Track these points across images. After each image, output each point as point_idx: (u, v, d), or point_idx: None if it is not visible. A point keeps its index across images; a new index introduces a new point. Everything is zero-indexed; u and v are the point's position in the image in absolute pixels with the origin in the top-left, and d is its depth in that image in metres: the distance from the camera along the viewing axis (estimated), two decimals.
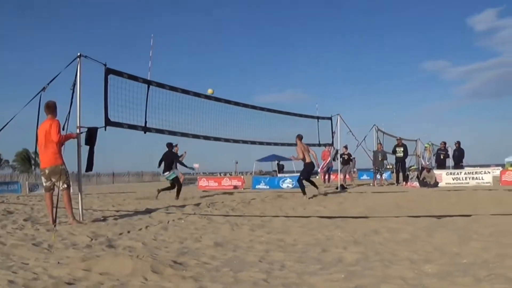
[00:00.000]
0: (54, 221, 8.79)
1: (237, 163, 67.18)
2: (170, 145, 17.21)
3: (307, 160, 16.67)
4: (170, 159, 17.28)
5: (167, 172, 17.23)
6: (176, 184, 17.33)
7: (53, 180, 9.13)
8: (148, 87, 12.06)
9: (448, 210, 10.63)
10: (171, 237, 7.44)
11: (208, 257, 5.60)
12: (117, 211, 12.38)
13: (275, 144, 18.79)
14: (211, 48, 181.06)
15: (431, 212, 10.23)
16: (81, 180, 10.11)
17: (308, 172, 17.06)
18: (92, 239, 7.12)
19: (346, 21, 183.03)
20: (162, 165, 17.34)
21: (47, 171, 9.13)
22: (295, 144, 17.43)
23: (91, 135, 10.09)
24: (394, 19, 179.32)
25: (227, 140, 16.15)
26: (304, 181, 16.49)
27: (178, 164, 18.03)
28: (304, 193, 16.13)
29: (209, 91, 16.42)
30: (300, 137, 16.92)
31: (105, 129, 10.54)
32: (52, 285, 4.34)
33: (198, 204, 13.53)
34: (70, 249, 6.36)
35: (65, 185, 9.12)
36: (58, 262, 5.33)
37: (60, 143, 9.15)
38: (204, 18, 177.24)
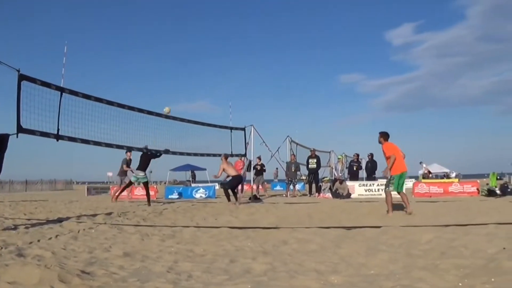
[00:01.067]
0: None
1: (151, 172, 66.49)
2: (146, 148, 17.32)
3: (234, 174, 17.33)
4: (148, 160, 17.57)
5: (141, 174, 17.37)
6: (145, 188, 17.95)
7: None
8: (61, 94, 11.92)
9: (358, 221, 10.83)
10: (80, 246, 7.36)
11: (116, 267, 5.57)
12: (29, 219, 12.18)
13: (188, 154, 18.87)
14: (125, 56, 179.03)
15: (342, 223, 10.41)
16: None
17: (232, 184, 17.64)
18: (2, 248, 6.99)
19: (262, 34, 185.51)
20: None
21: None
22: (209, 154, 17.85)
23: (1, 142, 9.89)
24: (313, 33, 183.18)
25: (139, 149, 16.17)
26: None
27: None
28: (228, 200, 16.86)
29: (166, 110, 16.48)
30: (226, 156, 17.58)
31: (17, 136, 10.36)
32: None
33: (109, 214, 13.41)
34: None
35: None
36: None
37: None
38: (119, 26, 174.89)
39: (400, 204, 12.67)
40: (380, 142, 12.63)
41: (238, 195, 18.59)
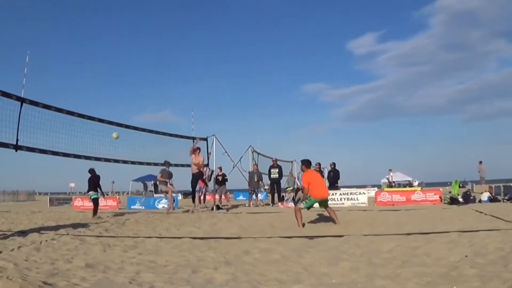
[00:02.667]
0: None
1: (113, 182, 65.99)
2: (92, 170, 18.03)
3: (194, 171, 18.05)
4: (96, 181, 18.07)
5: (92, 192, 17.78)
6: (94, 203, 18.15)
7: None
8: (21, 105, 11.81)
9: (321, 230, 10.86)
10: (42, 258, 7.32)
11: (78, 279, 5.54)
12: None
13: (148, 164, 18.86)
14: (87, 66, 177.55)
15: (304, 232, 10.44)
16: None
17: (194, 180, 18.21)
18: None
19: (225, 43, 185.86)
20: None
21: None
22: (170, 164, 18.29)
23: None
24: (276, 42, 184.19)
25: (97, 159, 16.05)
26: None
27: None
28: (193, 201, 17.13)
29: (114, 135, 16.48)
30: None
31: None
32: None
33: (72, 225, 13.31)
34: None
35: None
36: None
37: None
38: (80, 36, 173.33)
39: (360, 214, 12.84)
40: (302, 170, 13.15)
41: (201, 205, 18.81)
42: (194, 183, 19.11)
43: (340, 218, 13.14)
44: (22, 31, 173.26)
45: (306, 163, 12.91)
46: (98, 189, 17.99)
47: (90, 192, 17.99)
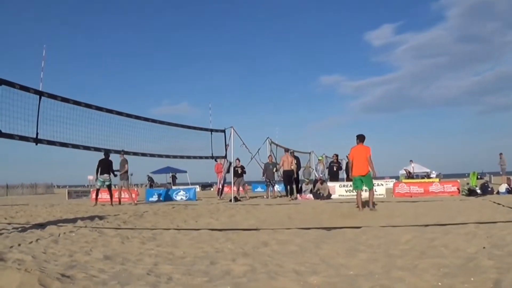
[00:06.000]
0: None
1: (131, 175, 66.20)
2: (107, 154, 18.17)
3: None
4: (109, 164, 18.50)
5: (106, 176, 17.74)
6: (109, 191, 18.82)
7: None
8: (40, 98, 11.86)
9: (338, 222, 10.86)
10: (61, 250, 7.34)
11: (97, 270, 5.55)
12: (9, 223, 12.15)
13: (167, 156, 18.85)
14: (104, 60, 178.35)
15: (322, 224, 10.44)
16: None
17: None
18: None
19: (243, 36, 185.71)
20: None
21: None
22: (189, 157, 18.13)
23: None
24: (293, 34, 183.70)
25: (117, 152, 16.15)
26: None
27: None
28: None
29: None
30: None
31: None
32: None
33: (90, 217, 13.39)
34: None
35: None
36: None
37: None
38: (97, 30, 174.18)
39: (378, 206, 12.82)
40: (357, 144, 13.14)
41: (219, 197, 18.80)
42: None
43: (358, 209, 13.10)
44: (39, 25, 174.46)
45: (361, 137, 13.02)
46: (111, 172, 18.03)
47: (106, 176, 17.96)
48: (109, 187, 18.67)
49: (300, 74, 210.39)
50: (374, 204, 13.68)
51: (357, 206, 12.92)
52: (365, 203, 13.57)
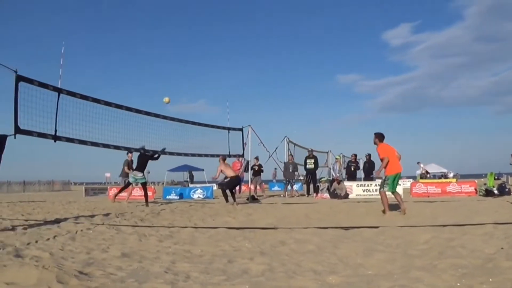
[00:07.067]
0: None
1: (149, 172, 66.48)
2: (144, 149, 17.41)
3: (232, 175, 17.54)
4: (146, 160, 17.83)
5: (139, 174, 17.74)
6: (143, 189, 18.27)
7: None
8: (59, 95, 11.91)
9: (356, 221, 10.84)
10: (78, 247, 7.35)
11: (114, 268, 5.57)
12: (26, 220, 12.17)
13: (185, 154, 18.85)
14: (123, 57, 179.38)
15: (340, 223, 10.40)
16: None
17: (229, 184, 17.79)
18: (0, 249, 6.97)
19: (260, 35, 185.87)
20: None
21: None
22: (206, 155, 17.99)
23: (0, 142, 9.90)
24: (311, 33, 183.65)
25: (137, 150, 16.20)
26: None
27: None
28: (226, 200, 17.48)
29: (165, 100, 16.57)
30: (223, 158, 17.82)
31: (15, 137, 10.36)
32: None
33: (107, 214, 13.41)
34: None
35: None
36: None
37: None
38: (115, 28, 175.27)
39: (396, 204, 12.68)
40: (375, 143, 12.79)
41: (235, 196, 18.59)
42: (230, 186, 18.64)
43: (375, 209, 13.05)
44: (58, 22, 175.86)
45: (380, 136, 12.71)
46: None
47: (139, 175, 17.79)
48: (144, 185, 18.43)
49: (318, 73, 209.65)
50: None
51: (383, 210, 12.49)
52: (395, 207, 13.15)
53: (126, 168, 20.50)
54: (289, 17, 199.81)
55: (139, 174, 17.79)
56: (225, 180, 18.48)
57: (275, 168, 25.92)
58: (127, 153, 19.50)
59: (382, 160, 12.40)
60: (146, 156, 17.63)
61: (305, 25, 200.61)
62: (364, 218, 11.90)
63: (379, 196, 12.80)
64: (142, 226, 10.65)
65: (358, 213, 13.15)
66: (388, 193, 12.42)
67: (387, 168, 12.36)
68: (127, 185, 19.16)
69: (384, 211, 12.32)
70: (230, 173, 18.05)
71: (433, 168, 52.24)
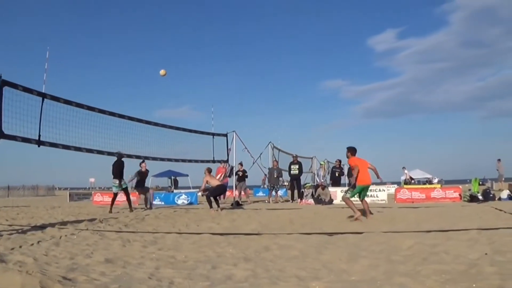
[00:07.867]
0: None
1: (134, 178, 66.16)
2: (121, 155, 17.14)
3: (216, 184, 17.52)
4: (122, 168, 17.60)
5: (117, 181, 17.58)
6: (126, 194, 18.10)
7: None
8: (43, 100, 11.89)
9: (340, 227, 10.83)
10: (62, 252, 7.35)
11: (98, 274, 5.56)
12: (10, 225, 12.14)
13: (169, 160, 18.83)
14: (107, 62, 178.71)
15: (324, 229, 10.40)
16: None
17: (214, 191, 17.78)
18: None
19: (245, 40, 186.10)
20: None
21: None
22: (190, 161, 18.02)
23: None
24: (296, 38, 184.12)
25: (121, 155, 16.14)
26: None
27: None
28: (210, 206, 17.40)
29: (161, 72, 16.46)
30: (209, 170, 17.87)
31: None
32: None
33: (91, 220, 13.37)
34: None
35: None
36: None
37: None
38: (100, 32, 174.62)
39: (379, 210, 12.76)
40: (347, 157, 13.25)
41: (219, 202, 18.60)
42: (215, 194, 18.67)
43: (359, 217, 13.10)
44: (42, 27, 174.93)
45: (352, 150, 13.04)
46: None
47: (116, 182, 17.51)
48: (126, 190, 18.14)
49: (303, 78, 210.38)
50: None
51: (355, 216, 12.70)
52: (378, 213, 13.41)
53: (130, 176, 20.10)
54: (274, 22, 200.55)
55: (117, 182, 17.59)
56: (210, 187, 18.47)
57: (265, 174, 25.81)
58: (140, 163, 19.31)
59: (353, 169, 12.83)
60: (121, 162, 17.44)
61: (290, 30, 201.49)
62: (348, 224, 11.90)
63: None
64: (126, 231, 10.64)
65: (342, 219, 13.15)
66: (357, 201, 12.73)
67: (358, 179, 12.72)
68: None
69: (354, 216, 12.42)
70: (215, 183, 18.07)
71: (417, 174, 52.40)
